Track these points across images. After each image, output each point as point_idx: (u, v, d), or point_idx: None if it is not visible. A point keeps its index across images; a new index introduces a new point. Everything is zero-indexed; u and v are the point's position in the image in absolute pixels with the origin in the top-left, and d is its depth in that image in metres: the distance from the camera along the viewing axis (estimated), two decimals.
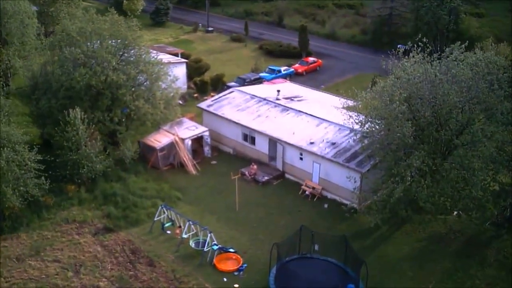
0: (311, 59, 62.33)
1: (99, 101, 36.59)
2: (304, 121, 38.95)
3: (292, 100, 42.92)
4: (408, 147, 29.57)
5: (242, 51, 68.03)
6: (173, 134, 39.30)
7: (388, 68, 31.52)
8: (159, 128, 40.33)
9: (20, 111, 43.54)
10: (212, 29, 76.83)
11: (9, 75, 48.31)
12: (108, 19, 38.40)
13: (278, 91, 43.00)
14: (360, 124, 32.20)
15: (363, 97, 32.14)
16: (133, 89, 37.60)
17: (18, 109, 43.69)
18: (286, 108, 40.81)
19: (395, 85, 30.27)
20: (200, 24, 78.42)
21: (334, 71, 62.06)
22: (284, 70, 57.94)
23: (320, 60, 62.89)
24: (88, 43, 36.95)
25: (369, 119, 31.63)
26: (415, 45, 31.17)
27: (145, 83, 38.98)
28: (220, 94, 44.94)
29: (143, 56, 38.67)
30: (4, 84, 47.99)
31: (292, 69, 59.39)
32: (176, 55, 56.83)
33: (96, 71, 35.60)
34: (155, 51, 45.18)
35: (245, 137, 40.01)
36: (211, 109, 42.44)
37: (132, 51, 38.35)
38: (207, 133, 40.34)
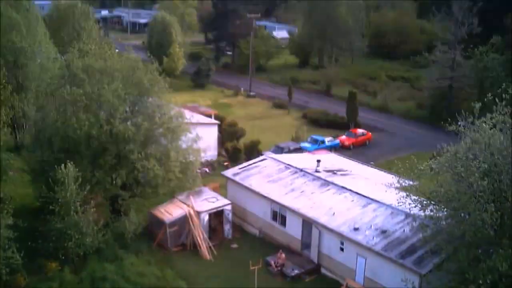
0: (360, 131, 55.46)
1: (102, 157, 30.62)
2: (347, 200, 31.62)
3: (335, 173, 35.81)
4: (489, 241, 21.78)
5: (284, 119, 62.08)
6: (188, 206, 32.66)
7: (460, 131, 24.43)
8: (173, 197, 33.87)
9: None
10: (254, 93, 71.85)
11: (21, 125, 43.74)
12: (123, 59, 33.18)
13: (318, 161, 36.04)
14: (420, 206, 24.84)
15: (426, 169, 24.77)
16: (144, 146, 31.55)
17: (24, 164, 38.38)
18: (326, 183, 33.67)
19: (470, 152, 22.90)
20: (242, 88, 73.73)
21: (385, 147, 54.80)
22: (328, 141, 51.25)
23: (370, 133, 55.92)
24: (95, 85, 31.44)
25: (433, 200, 24.29)
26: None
27: (161, 141, 33.01)
28: (251, 162, 38.37)
29: (161, 107, 32.89)
30: (14, 136, 43.91)
31: (338, 141, 52.57)
32: (209, 116, 51.37)
33: (99, 119, 29.87)
34: (185, 109, 39.61)
35: (275, 216, 32.89)
36: (237, 178, 35.76)
37: (149, 100, 32.64)
38: (229, 208, 33.46)
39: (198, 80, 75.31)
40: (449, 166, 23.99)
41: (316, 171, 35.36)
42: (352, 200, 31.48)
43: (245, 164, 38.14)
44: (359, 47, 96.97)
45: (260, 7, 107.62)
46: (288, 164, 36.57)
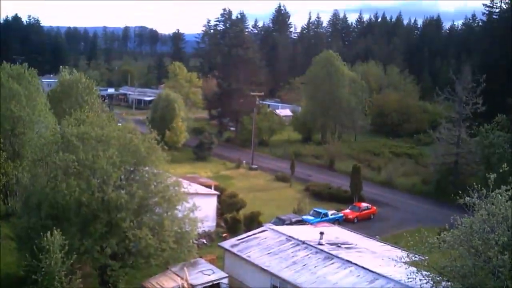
0: (364, 204, 53.74)
1: (92, 225, 28.93)
2: (353, 275, 29.45)
3: (339, 247, 33.81)
4: None
5: (286, 191, 60.57)
6: (182, 279, 30.51)
7: (473, 203, 22.79)
8: (167, 269, 31.77)
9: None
10: (256, 166, 70.85)
11: (14, 192, 42.40)
12: (121, 127, 32.37)
13: (322, 233, 34.16)
14: (432, 283, 22.76)
15: (438, 242, 22.95)
16: (137, 214, 29.98)
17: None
18: (330, 256, 31.60)
19: (487, 224, 21.21)
20: (244, 161, 72.84)
21: (390, 221, 52.88)
22: (331, 214, 49.45)
23: (374, 207, 54.15)
24: (90, 151, 30.37)
25: (446, 276, 22.28)
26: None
27: (155, 210, 31.45)
28: (250, 233, 36.48)
29: (157, 176, 31.62)
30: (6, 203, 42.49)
31: (342, 214, 50.76)
32: (209, 187, 49.96)
33: (91, 186, 28.51)
34: (184, 180, 38.31)
35: None
36: (235, 249, 33.76)
37: (146, 168, 31.42)
38: (226, 281, 31.29)
39: (199, 152, 74.66)
40: (465, 239, 22.14)
41: (319, 243, 33.40)
42: (358, 275, 29.32)
43: (244, 235, 36.24)
44: (362, 125, 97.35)
45: (264, 87, 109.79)
46: (290, 236, 34.67)
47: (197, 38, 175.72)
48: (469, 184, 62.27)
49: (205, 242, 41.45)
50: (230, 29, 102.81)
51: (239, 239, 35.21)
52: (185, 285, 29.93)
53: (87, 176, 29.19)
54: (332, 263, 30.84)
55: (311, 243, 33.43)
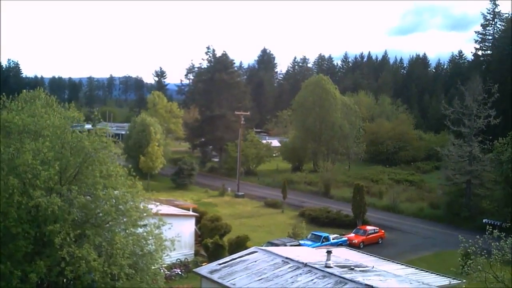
0: (370, 227, 45.80)
1: (12, 241, 20.65)
2: None
3: (352, 269, 25.67)
4: None
5: (278, 217, 52.49)
6: None
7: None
8: None
9: None
10: (242, 193, 62.73)
11: None
12: (62, 116, 24.62)
13: (329, 252, 26.04)
14: None
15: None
16: (77, 228, 21.78)
17: None
18: (343, 280, 23.39)
19: None
20: (229, 189, 64.71)
21: (402, 246, 44.95)
22: (333, 238, 41.46)
23: (382, 231, 46.21)
24: (12, 144, 22.47)
25: None
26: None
27: (106, 224, 23.27)
28: (235, 255, 28.10)
29: (109, 178, 23.63)
30: None
31: (345, 238, 42.70)
32: (186, 210, 41.83)
33: (8, 188, 20.43)
34: (156, 202, 29.84)
35: None
36: (215, 276, 25.33)
37: (90, 168, 23.34)
38: None
39: (178, 180, 66.33)
40: None
41: (326, 266, 25.24)
42: None
43: (227, 258, 27.85)
44: (356, 152, 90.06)
45: (251, 122, 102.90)
46: (287, 258, 26.45)
47: (180, 85, 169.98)
48: (483, 206, 54.10)
49: (179, 272, 33.08)
50: (215, 59, 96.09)
51: (221, 264, 26.80)
52: None
53: (4, 175, 21.10)
54: None
55: (316, 266, 25.27)
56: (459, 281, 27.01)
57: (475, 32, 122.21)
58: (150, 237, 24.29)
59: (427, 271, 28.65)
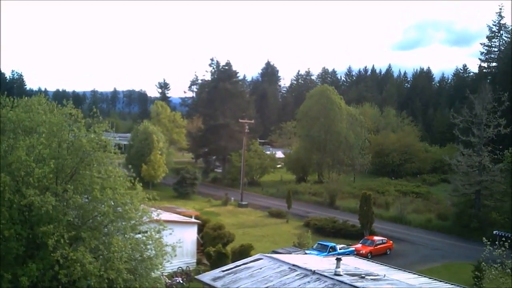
0: (378, 238, 44.38)
1: (3, 242, 19.41)
2: None
3: (363, 277, 24.28)
4: None
5: (282, 227, 51.06)
6: None
7: None
8: None
9: None
10: (246, 203, 61.40)
11: None
12: (59, 112, 23.52)
13: (339, 260, 24.67)
14: None
15: None
16: (71, 229, 20.55)
17: None
18: None
19: None
20: (232, 198, 63.37)
21: (411, 257, 43.50)
22: (341, 249, 39.98)
23: (391, 241, 44.78)
24: (5, 141, 21.32)
25: None
26: None
27: (104, 227, 22.03)
28: (239, 262, 26.75)
29: (107, 180, 22.41)
30: None
31: (353, 248, 41.25)
32: (189, 217, 40.51)
33: (1, 185, 19.25)
34: (157, 209, 28.48)
35: None
36: (218, 284, 23.96)
37: (87, 168, 22.12)
38: None
39: (180, 189, 65.02)
40: None
41: (336, 274, 23.85)
42: None
43: (231, 265, 26.49)
44: (362, 163, 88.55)
45: (255, 133, 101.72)
46: (294, 265, 25.07)
47: (184, 98, 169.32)
48: (493, 217, 52.61)
49: (181, 281, 31.68)
50: (218, 68, 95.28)
51: (224, 270, 25.43)
52: None
53: None
54: None
55: (325, 273, 23.88)
56: None
57: (481, 44, 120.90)
58: (150, 242, 23.05)
59: (441, 281, 27.22)
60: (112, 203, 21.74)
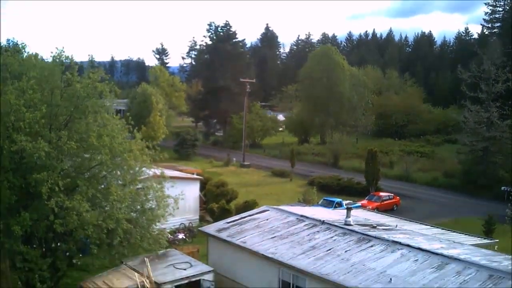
0: (385, 194, 43.43)
1: None
2: (407, 259, 18.84)
3: (375, 227, 23.25)
4: None
5: (286, 185, 50.07)
6: (142, 275, 19.69)
7: None
8: (121, 263, 20.98)
9: None
10: (248, 163, 60.28)
11: None
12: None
13: (349, 209, 23.59)
14: None
15: None
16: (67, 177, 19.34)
17: None
18: (367, 237, 20.96)
19: None
20: (234, 159, 62.24)
21: (418, 213, 42.38)
22: (347, 204, 38.80)
23: (398, 197, 43.81)
24: None
25: None
26: None
27: (101, 174, 20.81)
28: (245, 214, 25.69)
29: (105, 127, 21.13)
30: None
31: (359, 204, 40.20)
32: (190, 174, 39.44)
33: None
34: (157, 168, 27.01)
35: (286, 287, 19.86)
36: (223, 235, 22.93)
37: (82, 116, 20.77)
38: (209, 277, 20.49)
39: (182, 150, 63.83)
40: None
41: (346, 223, 22.78)
42: (416, 260, 18.69)
43: (236, 217, 25.46)
44: (365, 124, 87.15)
45: (255, 97, 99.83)
46: (302, 215, 24.01)
47: (182, 65, 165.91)
48: (502, 174, 51.19)
49: (184, 237, 30.72)
50: (217, 30, 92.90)
51: (229, 222, 24.39)
52: (147, 283, 19.10)
53: None
54: (371, 246, 20.19)
55: (335, 223, 22.81)
56: (491, 241, 24.63)
57: (485, 3, 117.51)
58: (151, 192, 21.92)
59: (454, 231, 26.26)
60: (109, 151, 20.50)
